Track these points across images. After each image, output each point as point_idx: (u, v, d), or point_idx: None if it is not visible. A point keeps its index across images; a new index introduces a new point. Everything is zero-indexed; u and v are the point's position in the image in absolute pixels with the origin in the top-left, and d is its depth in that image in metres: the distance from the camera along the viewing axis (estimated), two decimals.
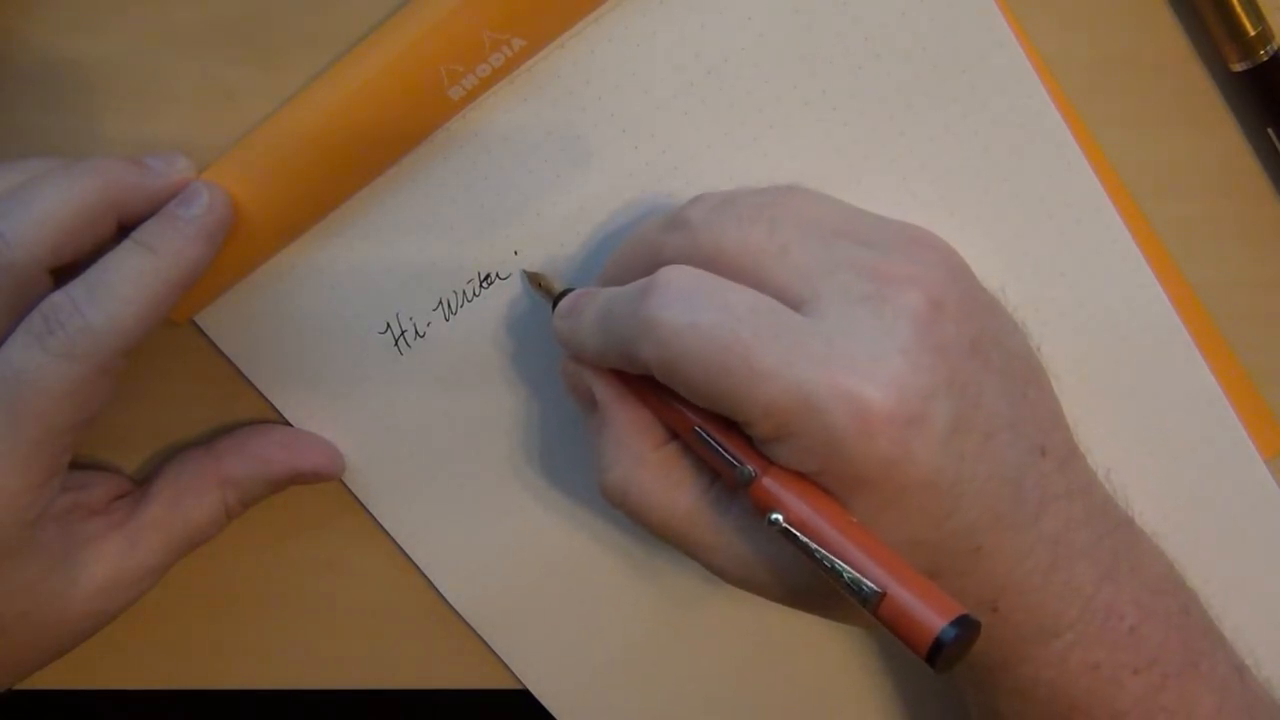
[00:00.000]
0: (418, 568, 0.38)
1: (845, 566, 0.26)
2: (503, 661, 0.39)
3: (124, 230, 0.31)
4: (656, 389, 0.30)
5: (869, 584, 0.25)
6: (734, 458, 0.28)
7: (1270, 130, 0.35)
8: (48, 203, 0.29)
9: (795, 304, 0.27)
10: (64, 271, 0.30)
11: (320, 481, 0.36)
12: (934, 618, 0.25)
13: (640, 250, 0.31)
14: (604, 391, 0.31)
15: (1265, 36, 0.33)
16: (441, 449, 0.37)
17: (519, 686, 0.40)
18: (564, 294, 0.33)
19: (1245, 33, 0.33)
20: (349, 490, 0.37)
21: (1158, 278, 0.35)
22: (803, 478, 0.27)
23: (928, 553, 0.28)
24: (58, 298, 0.29)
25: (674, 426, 0.31)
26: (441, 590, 0.38)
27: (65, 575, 0.31)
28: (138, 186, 0.31)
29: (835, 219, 0.29)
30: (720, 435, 0.29)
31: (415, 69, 0.32)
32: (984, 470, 0.28)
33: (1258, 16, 0.33)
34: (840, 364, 0.26)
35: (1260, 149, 0.35)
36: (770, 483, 0.27)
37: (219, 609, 0.39)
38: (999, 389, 0.28)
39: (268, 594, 0.39)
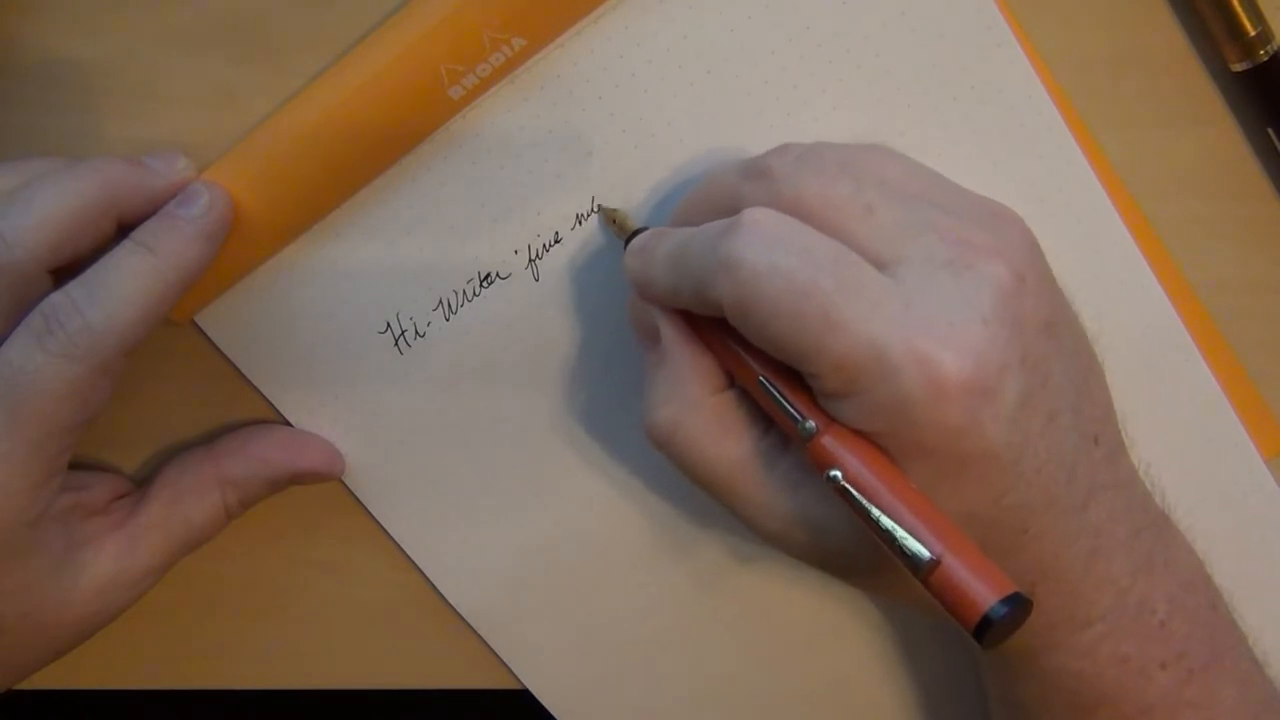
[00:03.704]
0: (418, 568, 0.38)
1: (901, 530, 0.25)
2: (503, 661, 0.39)
3: (124, 230, 0.31)
4: (723, 333, 0.29)
5: (923, 551, 0.25)
6: (797, 411, 0.28)
7: (1270, 130, 0.35)
8: (48, 203, 0.29)
9: (877, 264, 0.27)
10: (64, 271, 0.30)
11: (320, 482, 0.36)
12: (986, 592, 0.24)
13: (716, 195, 0.30)
14: (669, 329, 0.31)
15: (1265, 36, 0.33)
16: (441, 449, 0.37)
17: (519, 686, 0.40)
18: (637, 232, 0.32)
19: (1245, 33, 0.33)
20: (349, 490, 0.37)
21: (1158, 278, 0.35)
22: (864, 439, 0.27)
23: (978, 528, 0.27)
24: (57, 298, 0.29)
25: (736, 373, 0.30)
26: (441, 590, 0.38)
27: (66, 575, 0.31)
28: (138, 186, 0.31)
29: (918, 183, 0.29)
30: (784, 387, 0.28)
31: (415, 69, 0.32)
32: (1044, 451, 0.27)
33: (1258, 16, 0.33)
34: (919, 326, 0.26)
35: (1260, 149, 0.35)
36: (831, 440, 0.27)
37: (219, 609, 0.39)
38: (1065, 371, 0.28)
39: (268, 594, 0.39)
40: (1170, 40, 0.35)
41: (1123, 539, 0.29)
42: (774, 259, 0.26)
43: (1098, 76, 0.35)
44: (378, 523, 0.38)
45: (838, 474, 0.26)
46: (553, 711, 0.40)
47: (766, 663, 0.40)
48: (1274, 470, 0.37)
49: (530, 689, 0.40)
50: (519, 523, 0.38)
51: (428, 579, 0.38)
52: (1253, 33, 0.33)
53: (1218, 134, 0.35)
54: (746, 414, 0.30)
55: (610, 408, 0.37)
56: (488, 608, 0.39)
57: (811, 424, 0.27)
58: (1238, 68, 0.34)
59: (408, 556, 0.38)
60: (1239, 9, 0.33)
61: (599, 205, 0.34)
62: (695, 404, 0.30)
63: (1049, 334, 0.28)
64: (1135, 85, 0.35)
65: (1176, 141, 0.35)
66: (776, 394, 0.28)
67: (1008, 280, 0.27)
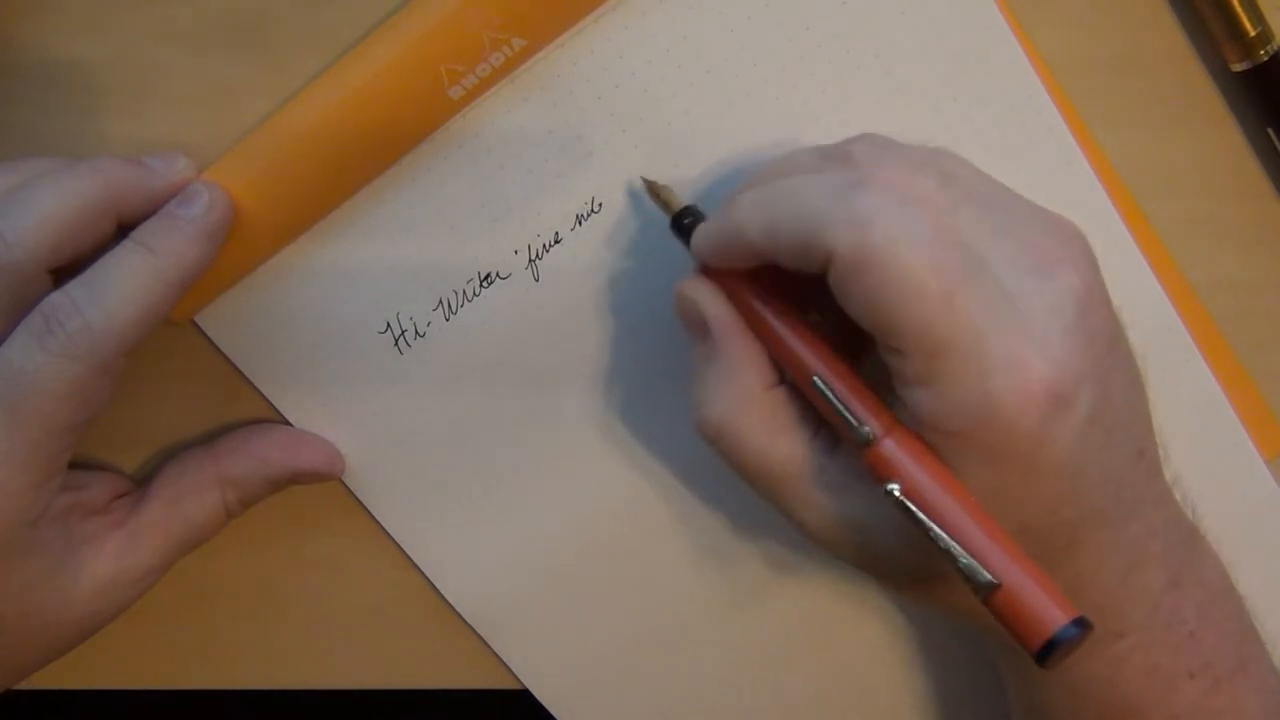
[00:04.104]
0: (418, 568, 0.38)
1: (962, 550, 0.25)
2: (503, 661, 0.39)
3: (124, 230, 0.31)
4: (781, 324, 0.28)
5: (985, 573, 0.24)
6: (853, 415, 0.27)
7: (1270, 130, 0.35)
8: (48, 203, 0.29)
9: None
10: (64, 271, 0.30)
11: (320, 481, 0.36)
12: (1054, 614, 0.24)
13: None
14: (721, 321, 0.30)
15: (1265, 36, 0.33)
16: (441, 449, 0.37)
17: (519, 686, 0.40)
18: (683, 211, 0.31)
19: (1245, 33, 0.33)
20: (349, 490, 0.37)
21: (1158, 278, 0.35)
22: (922, 443, 0.26)
23: (1030, 540, 0.27)
24: (57, 298, 0.29)
25: (789, 369, 0.29)
26: (441, 590, 0.38)
27: (66, 575, 0.31)
28: (138, 186, 0.31)
29: (989, 187, 0.29)
30: (844, 386, 0.27)
31: (415, 69, 0.32)
32: (1100, 466, 0.27)
33: (1258, 16, 0.33)
34: (1017, 329, 0.25)
35: (1260, 149, 0.35)
36: (890, 446, 0.26)
37: (219, 609, 0.39)
38: (1123, 386, 0.28)
39: (268, 594, 0.39)
40: (1170, 40, 0.35)
41: (1158, 552, 0.29)
42: (913, 228, 0.25)
43: (1098, 76, 0.35)
44: (378, 523, 0.38)
45: (895, 488, 0.26)
46: (553, 711, 0.40)
47: (769, 664, 0.40)
48: (1274, 470, 0.37)
49: (530, 689, 0.40)
50: (519, 523, 0.38)
51: (428, 579, 0.38)
52: (1253, 33, 0.33)
53: (1218, 134, 0.35)
54: (799, 410, 0.30)
55: (610, 408, 0.37)
56: (488, 608, 0.39)
57: (868, 429, 0.27)
58: (1238, 68, 0.34)
59: (408, 556, 0.38)
60: (1239, 9, 0.33)
61: (642, 178, 0.33)
62: (748, 399, 0.29)
63: (1112, 347, 0.28)
64: (1135, 85, 0.35)
65: (1176, 141, 0.35)
66: (832, 397, 0.27)
67: (1082, 291, 0.27)
